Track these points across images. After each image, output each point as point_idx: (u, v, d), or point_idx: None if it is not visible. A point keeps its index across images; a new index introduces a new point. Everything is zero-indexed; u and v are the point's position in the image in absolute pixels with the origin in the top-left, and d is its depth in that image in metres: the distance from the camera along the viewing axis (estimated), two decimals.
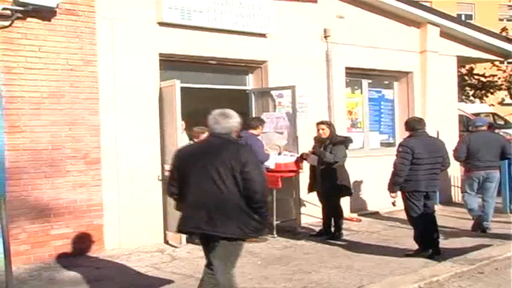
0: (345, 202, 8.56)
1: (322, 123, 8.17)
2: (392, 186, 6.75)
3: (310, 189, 8.19)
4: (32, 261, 6.77)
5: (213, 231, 4.18)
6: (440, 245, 7.28)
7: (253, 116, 9.09)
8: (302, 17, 9.46)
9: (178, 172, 4.40)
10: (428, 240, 6.81)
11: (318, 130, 8.09)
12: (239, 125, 4.51)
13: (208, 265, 4.43)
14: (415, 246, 6.91)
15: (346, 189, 8.07)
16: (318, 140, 8.13)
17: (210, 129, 4.43)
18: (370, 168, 10.09)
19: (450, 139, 11.44)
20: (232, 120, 4.41)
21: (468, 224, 8.69)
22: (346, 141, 8.05)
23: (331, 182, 7.83)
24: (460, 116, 13.36)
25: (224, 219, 4.15)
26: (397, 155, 6.79)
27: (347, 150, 8.04)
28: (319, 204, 8.30)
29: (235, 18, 8.54)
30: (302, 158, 8.29)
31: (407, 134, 11.14)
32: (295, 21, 9.38)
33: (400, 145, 6.92)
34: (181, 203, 4.42)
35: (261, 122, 8.18)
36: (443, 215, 9.82)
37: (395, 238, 8.06)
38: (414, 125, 7.00)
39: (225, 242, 4.21)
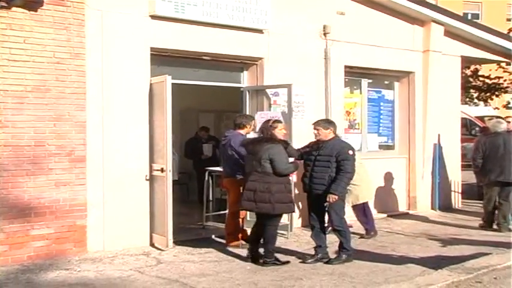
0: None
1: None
2: None
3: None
4: (10, 263, 6.53)
5: None
6: (438, 253, 7.32)
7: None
8: (301, 13, 9.19)
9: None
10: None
11: None
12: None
13: None
14: (413, 253, 6.96)
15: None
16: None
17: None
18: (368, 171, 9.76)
19: (452, 142, 11.26)
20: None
21: (468, 231, 8.54)
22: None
23: None
24: (463, 119, 13.11)
25: None
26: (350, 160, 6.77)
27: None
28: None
29: (231, 12, 8.29)
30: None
31: (405, 136, 10.92)
32: (294, 16, 9.11)
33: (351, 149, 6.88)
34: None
35: (248, 119, 7.72)
36: (443, 222, 9.64)
37: (392, 245, 7.86)
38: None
39: None
